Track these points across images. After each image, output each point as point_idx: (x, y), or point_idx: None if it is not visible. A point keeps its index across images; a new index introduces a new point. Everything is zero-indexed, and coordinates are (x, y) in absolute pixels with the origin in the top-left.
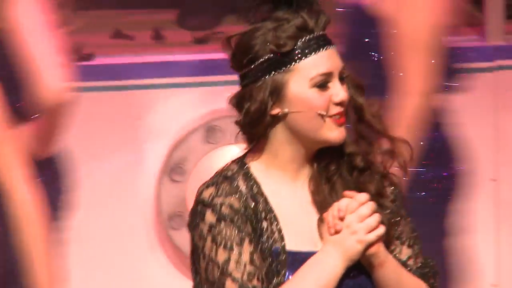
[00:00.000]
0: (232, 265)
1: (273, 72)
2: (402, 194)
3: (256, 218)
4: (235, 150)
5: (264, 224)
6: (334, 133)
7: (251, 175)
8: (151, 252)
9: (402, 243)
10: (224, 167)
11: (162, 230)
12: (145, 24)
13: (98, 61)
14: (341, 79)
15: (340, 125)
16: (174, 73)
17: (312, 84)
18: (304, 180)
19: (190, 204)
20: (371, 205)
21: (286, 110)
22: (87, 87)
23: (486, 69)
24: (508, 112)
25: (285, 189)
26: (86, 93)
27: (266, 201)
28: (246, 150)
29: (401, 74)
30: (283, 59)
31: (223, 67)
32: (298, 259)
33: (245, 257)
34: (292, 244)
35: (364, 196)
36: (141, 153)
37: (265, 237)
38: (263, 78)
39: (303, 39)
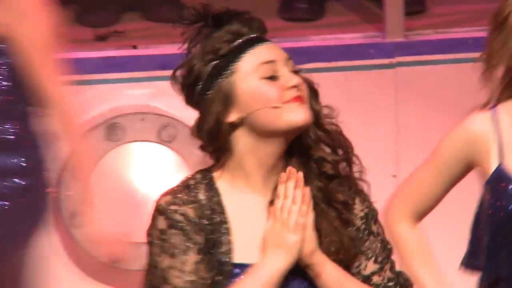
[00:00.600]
0: (174, 272)
1: (218, 81)
2: (375, 212)
3: (212, 229)
4: (137, 147)
5: (218, 235)
6: (296, 114)
7: (214, 185)
8: (52, 251)
9: (368, 259)
10: (189, 175)
11: (64, 228)
12: None
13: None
14: (294, 72)
15: (300, 103)
16: (74, 70)
17: (259, 76)
18: (270, 189)
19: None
20: (298, 196)
21: (242, 114)
22: None
23: (387, 66)
24: (408, 108)
25: (248, 200)
26: None
27: (223, 213)
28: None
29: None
30: (224, 64)
31: (124, 64)
32: (243, 271)
33: (189, 266)
34: (243, 256)
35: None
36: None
37: (217, 248)
38: (211, 90)
39: (239, 41)
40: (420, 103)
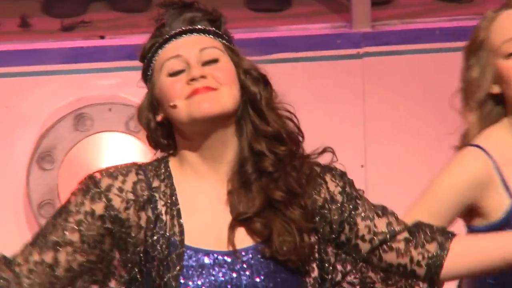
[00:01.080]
0: (54, 230)
1: (147, 82)
2: (350, 180)
3: (150, 207)
4: (105, 137)
5: (164, 216)
6: (197, 108)
7: (168, 168)
8: (22, 240)
9: (372, 219)
10: (154, 159)
11: (32, 218)
12: (12, 11)
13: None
14: (210, 62)
15: (200, 95)
16: (42, 60)
17: (165, 73)
18: (220, 176)
19: (61, 192)
20: None
21: (163, 114)
22: None
23: (354, 56)
24: (375, 98)
25: (198, 186)
26: None
27: (173, 194)
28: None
29: None
30: (147, 64)
31: (91, 55)
32: (195, 255)
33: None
34: (193, 240)
35: None
36: (10, 141)
37: (163, 228)
38: (146, 92)
39: (160, 39)
40: (387, 93)
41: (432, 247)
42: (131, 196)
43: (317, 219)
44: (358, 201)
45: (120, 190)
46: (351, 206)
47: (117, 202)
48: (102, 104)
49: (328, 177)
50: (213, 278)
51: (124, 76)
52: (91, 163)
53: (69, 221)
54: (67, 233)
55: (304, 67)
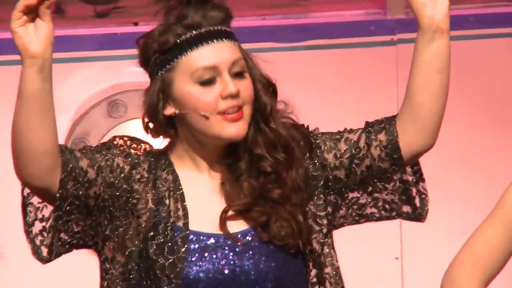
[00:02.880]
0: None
1: (160, 72)
2: (315, 132)
3: (153, 190)
4: (139, 124)
5: (167, 200)
6: (225, 130)
7: (169, 159)
8: None
9: (334, 147)
10: (153, 150)
11: None
12: None
13: (0, 35)
14: (238, 74)
15: (232, 121)
16: (76, 47)
17: (194, 80)
18: (217, 172)
19: None
20: None
21: (177, 111)
22: None
23: (388, 43)
24: None
25: (196, 176)
26: None
27: (176, 180)
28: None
29: None
30: (167, 57)
31: (125, 41)
32: (198, 239)
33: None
34: (195, 224)
35: None
36: None
37: (166, 211)
38: (155, 78)
39: (187, 35)
40: None
41: (382, 136)
42: (145, 173)
43: (312, 188)
44: (318, 141)
45: (139, 162)
46: (317, 152)
47: (137, 171)
48: (136, 90)
49: (307, 154)
50: (216, 259)
51: None
52: None
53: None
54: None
55: (338, 54)
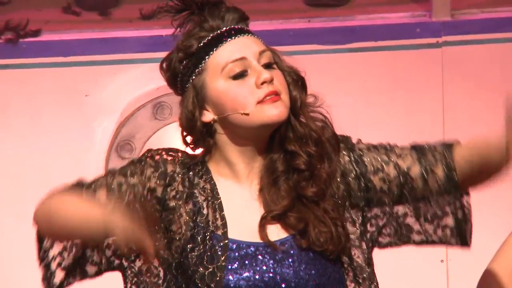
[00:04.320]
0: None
1: (191, 79)
2: (350, 140)
3: (191, 201)
4: None
5: (205, 210)
6: (267, 114)
7: (206, 166)
8: None
9: (382, 169)
10: (190, 155)
11: None
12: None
13: (46, 37)
14: (268, 66)
15: (272, 103)
16: (121, 49)
17: (226, 76)
18: (254, 178)
19: None
20: None
21: (215, 117)
22: (35, 63)
23: (433, 45)
24: (455, 87)
25: (233, 184)
26: (35, 69)
27: (214, 189)
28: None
29: None
30: (193, 61)
31: (170, 43)
32: (238, 247)
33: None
34: (234, 233)
35: None
36: (89, 130)
37: (205, 221)
38: (186, 88)
39: (209, 37)
40: (466, 82)
41: (439, 170)
42: (180, 188)
43: (344, 193)
44: (364, 159)
45: (174, 177)
46: (362, 169)
47: (172, 188)
48: None
49: (341, 157)
50: (256, 267)
51: None
52: None
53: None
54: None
55: (384, 56)
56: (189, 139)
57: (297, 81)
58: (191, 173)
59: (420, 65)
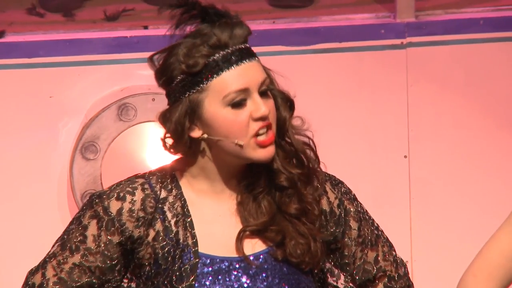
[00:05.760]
0: (55, 261)
1: (188, 93)
2: (350, 195)
3: (158, 220)
4: (148, 128)
5: (174, 227)
6: (259, 153)
7: (176, 179)
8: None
9: (360, 247)
10: (158, 168)
11: (75, 208)
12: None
13: (10, 38)
14: (264, 93)
15: (264, 145)
16: (85, 50)
17: (226, 103)
18: (232, 192)
19: (104, 182)
20: None
21: (205, 135)
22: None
23: (397, 46)
24: (419, 88)
25: (209, 197)
26: None
27: (184, 206)
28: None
29: None
30: (196, 79)
31: (135, 45)
32: (212, 262)
33: (66, 265)
34: (207, 248)
35: None
36: (53, 131)
37: (174, 239)
38: (180, 98)
39: (215, 56)
40: (431, 83)
41: None
42: (141, 213)
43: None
44: (353, 221)
45: (131, 211)
46: (345, 224)
47: (129, 224)
48: (146, 94)
49: (328, 187)
50: (229, 282)
51: None
52: (134, 153)
53: (89, 256)
54: (87, 263)
55: (348, 57)
56: (169, 141)
57: (286, 102)
58: (156, 189)
59: (385, 66)
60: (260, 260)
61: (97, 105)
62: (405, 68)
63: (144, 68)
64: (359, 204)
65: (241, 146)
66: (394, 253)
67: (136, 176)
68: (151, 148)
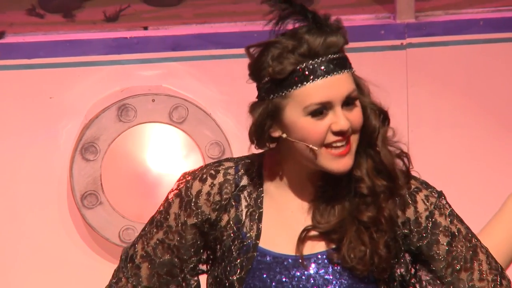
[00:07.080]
0: (144, 238)
1: (272, 95)
2: (435, 213)
3: (233, 207)
4: (148, 128)
5: (243, 217)
6: (332, 164)
7: (261, 170)
8: (65, 231)
9: (453, 266)
10: (250, 154)
11: (75, 209)
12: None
13: (10, 39)
14: (347, 104)
15: (339, 156)
16: (85, 51)
17: (306, 113)
18: (310, 190)
19: (104, 183)
20: None
21: (284, 135)
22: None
23: (397, 47)
24: (419, 89)
25: (286, 192)
26: None
27: (259, 197)
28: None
29: None
30: (281, 84)
31: (135, 45)
32: (265, 258)
33: (152, 240)
34: (269, 243)
35: None
36: (53, 132)
37: (240, 229)
38: (265, 98)
39: (303, 65)
40: (430, 84)
41: None
42: (217, 198)
43: (398, 233)
44: (442, 236)
45: (208, 194)
46: (432, 238)
47: (206, 207)
48: (146, 94)
49: (419, 197)
50: (281, 279)
51: (168, 67)
52: (134, 154)
53: (169, 234)
54: (167, 240)
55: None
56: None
57: (378, 114)
58: (240, 173)
59: (385, 67)
60: (317, 260)
61: (97, 106)
62: (405, 69)
63: (144, 69)
64: (455, 220)
65: (314, 152)
66: (495, 272)
67: (226, 159)
68: (151, 149)
